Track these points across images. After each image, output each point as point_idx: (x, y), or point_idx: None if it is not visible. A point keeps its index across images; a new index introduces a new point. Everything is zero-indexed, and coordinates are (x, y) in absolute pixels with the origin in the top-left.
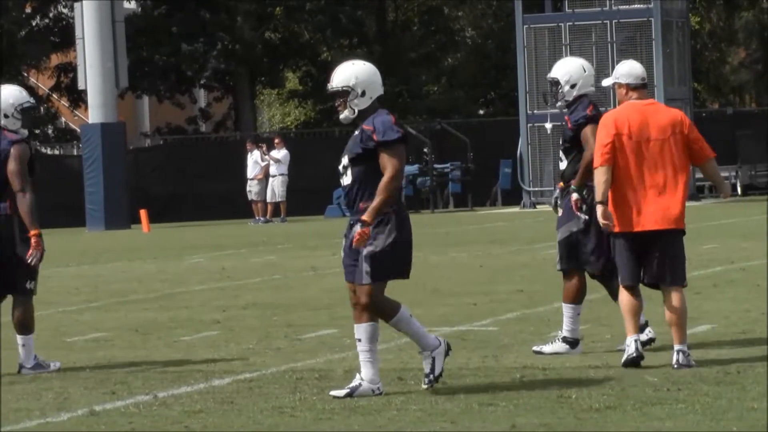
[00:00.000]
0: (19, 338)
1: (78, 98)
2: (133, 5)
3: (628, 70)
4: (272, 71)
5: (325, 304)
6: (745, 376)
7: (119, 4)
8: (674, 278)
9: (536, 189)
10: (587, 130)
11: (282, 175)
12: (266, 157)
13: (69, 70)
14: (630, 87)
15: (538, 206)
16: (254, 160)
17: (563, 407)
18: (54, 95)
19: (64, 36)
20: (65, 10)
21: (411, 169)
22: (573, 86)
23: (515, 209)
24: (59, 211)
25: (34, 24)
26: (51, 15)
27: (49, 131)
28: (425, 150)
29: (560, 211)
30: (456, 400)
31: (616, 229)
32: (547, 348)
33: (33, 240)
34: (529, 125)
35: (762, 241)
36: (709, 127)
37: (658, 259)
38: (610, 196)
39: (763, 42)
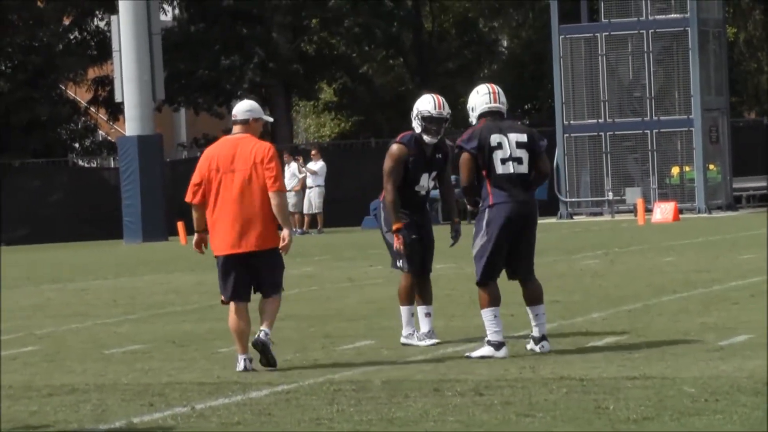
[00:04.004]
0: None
1: (115, 111)
2: (169, 18)
3: (235, 108)
4: (307, 83)
5: (363, 315)
6: None
7: (156, 17)
8: (271, 288)
9: (573, 200)
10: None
11: (319, 186)
12: (303, 169)
13: (106, 83)
14: (233, 121)
15: (575, 217)
16: (291, 172)
17: (600, 418)
18: (91, 108)
19: (102, 49)
20: (102, 24)
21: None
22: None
23: (552, 220)
24: (96, 223)
25: (71, 37)
26: (88, 29)
27: (87, 144)
28: None
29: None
30: (493, 411)
31: (216, 253)
32: (476, 353)
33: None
34: (565, 135)
35: None
36: (745, 137)
37: (261, 275)
38: (210, 224)
39: None
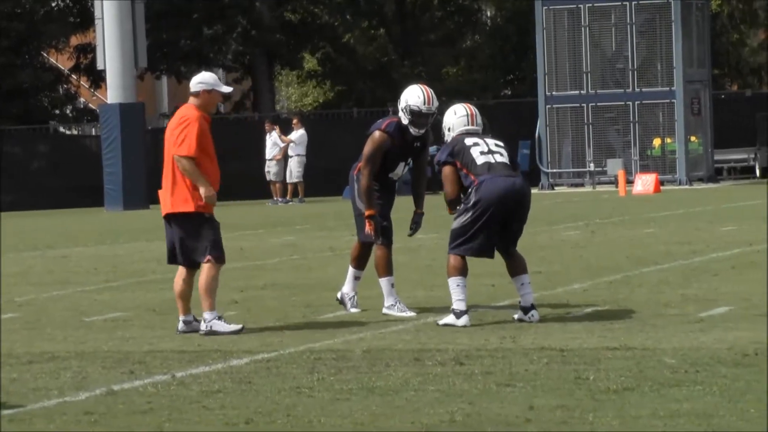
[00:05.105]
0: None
1: (97, 78)
2: None
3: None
4: (290, 52)
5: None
6: (763, 358)
7: None
8: (195, 255)
9: (554, 170)
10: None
11: (299, 155)
12: (283, 138)
13: (88, 50)
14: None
15: (556, 188)
16: (273, 140)
17: (581, 388)
18: (73, 76)
19: (84, 16)
20: None
21: (431, 150)
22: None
23: (534, 191)
24: (78, 191)
25: (53, 4)
26: None
27: (68, 111)
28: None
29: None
30: (474, 380)
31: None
32: (442, 320)
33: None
34: (547, 107)
35: None
36: (727, 109)
37: (179, 239)
38: None
39: None
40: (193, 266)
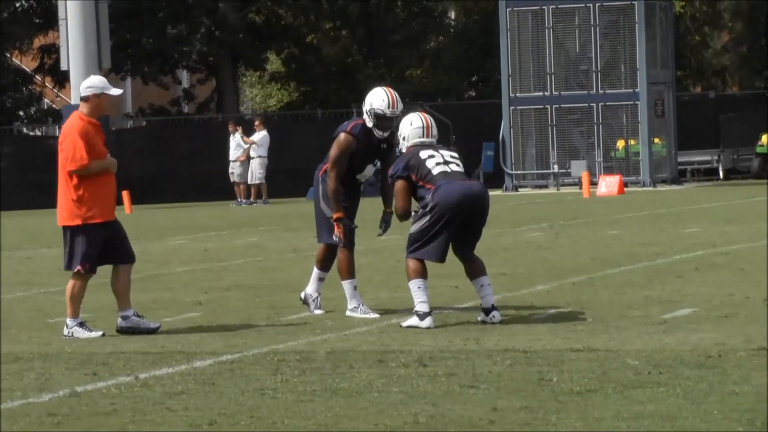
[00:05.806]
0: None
1: (62, 79)
2: None
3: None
4: (255, 53)
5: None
6: (726, 359)
7: None
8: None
9: (518, 172)
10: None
11: (260, 157)
12: (246, 139)
13: (52, 51)
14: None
15: (520, 189)
16: (237, 142)
17: (544, 390)
18: (37, 76)
19: (48, 17)
20: None
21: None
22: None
23: (497, 192)
24: (42, 191)
25: (17, 5)
26: None
27: (32, 112)
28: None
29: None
30: (437, 382)
31: None
32: (405, 322)
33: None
34: (511, 108)
35: (744, 225)
36: (691, 111)
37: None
38: None
39: (749, 23)
40: (119, 262)
